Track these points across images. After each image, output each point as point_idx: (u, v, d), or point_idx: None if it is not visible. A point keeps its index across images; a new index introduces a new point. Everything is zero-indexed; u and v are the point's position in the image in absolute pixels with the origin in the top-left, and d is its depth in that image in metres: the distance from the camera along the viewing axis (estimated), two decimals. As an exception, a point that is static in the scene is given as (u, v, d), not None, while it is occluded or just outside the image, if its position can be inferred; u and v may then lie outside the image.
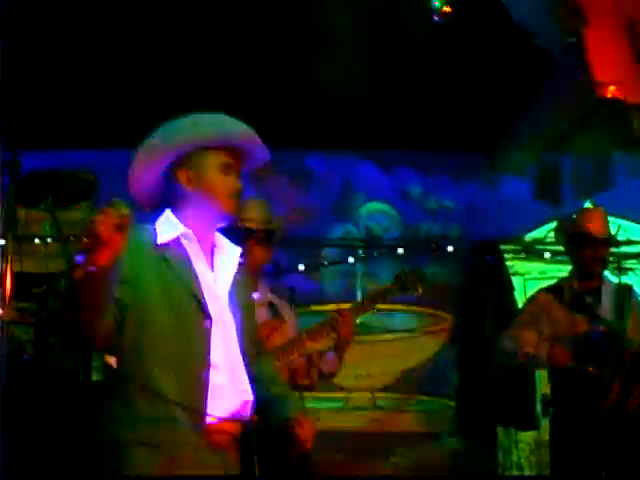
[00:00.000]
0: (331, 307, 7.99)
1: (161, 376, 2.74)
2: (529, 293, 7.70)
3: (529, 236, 8.23)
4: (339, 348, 4.42)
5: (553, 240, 7.96)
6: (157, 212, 3.00)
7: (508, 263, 7.99)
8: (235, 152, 2.98)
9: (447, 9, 4.97)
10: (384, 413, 8.08)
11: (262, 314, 4.34)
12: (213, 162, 2.94)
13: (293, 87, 6.69)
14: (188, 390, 2.76)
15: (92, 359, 5.80)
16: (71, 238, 7.60)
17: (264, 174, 7.12)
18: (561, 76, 6.23)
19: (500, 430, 7.56)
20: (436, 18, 5.06)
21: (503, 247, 8.00)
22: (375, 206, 8.43)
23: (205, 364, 2.81)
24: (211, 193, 2.92)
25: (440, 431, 8.01)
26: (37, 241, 7.75)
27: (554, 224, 8.01)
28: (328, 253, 8.12)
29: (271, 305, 4.54)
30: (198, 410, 2.74)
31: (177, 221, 2.92)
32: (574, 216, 5.25)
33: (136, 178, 3.01)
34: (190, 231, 2.91)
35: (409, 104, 7.25)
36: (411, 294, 4.59)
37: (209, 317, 2.85)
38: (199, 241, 2.94)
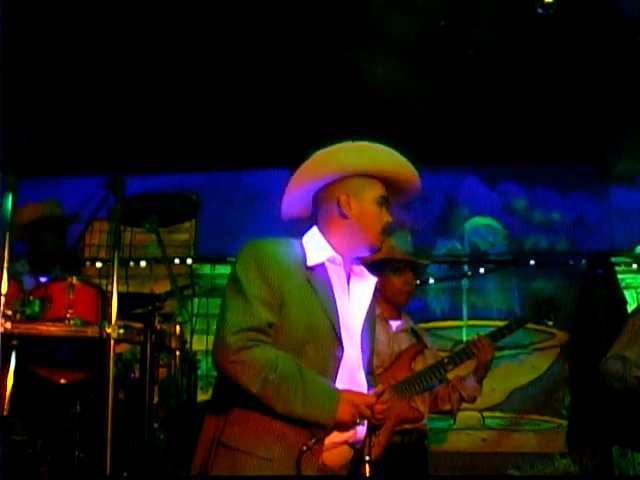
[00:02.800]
0: (437, 324, 7.93)
1: None
2: (641, 306, 7.49)
3: (640, 248, 7.99)
4: (478, 372, 4.48)
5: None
6: (304, 227, 3.00)
7: (619, 276, 7.75)
8: (392, 186, 2.98)
9: (549, 0, 4.83)
10: (493, 433, 7.93)
11: (405, 339, 4.54)
12: (374, 193, 2.93)
13: (398, 103, 6.65)
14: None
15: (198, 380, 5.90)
16: (175, 260, 7.80)
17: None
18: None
19: (615, 450, 7.30)
20: (540, 10, 4.92)
21: (614, 260, 7.76)
22: (480, 221, 8.32)
23: None
24: (367, 224, 2.91)
25: (552, 451, 7.79)
26: (143, 263, 7.91)
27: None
28: (433, 270, 8.03)
29: (413, 331, 4.64)
30: (318, 433, 2.69)
31: (326, 244, 2.90)
32: None
33: (293, 192, 3.01)
34: (338, 256, 2.88)
35: (513, 117, 7.14)
36: (545, 322, 4.69)
37: (342, 346, 2.81)
38: (343, 266, 2.91)
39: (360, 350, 2.90)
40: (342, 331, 2.81)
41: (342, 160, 2.89)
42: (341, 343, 2.80)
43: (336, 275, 2.88)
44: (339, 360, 2.79)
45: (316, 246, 2.88)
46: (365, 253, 2.97)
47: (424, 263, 4.61)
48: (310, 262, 2.81)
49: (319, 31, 6.16)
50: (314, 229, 2.95)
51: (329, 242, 2.89)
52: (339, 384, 2.78)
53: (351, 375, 2.84)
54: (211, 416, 2.80)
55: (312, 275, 2.80)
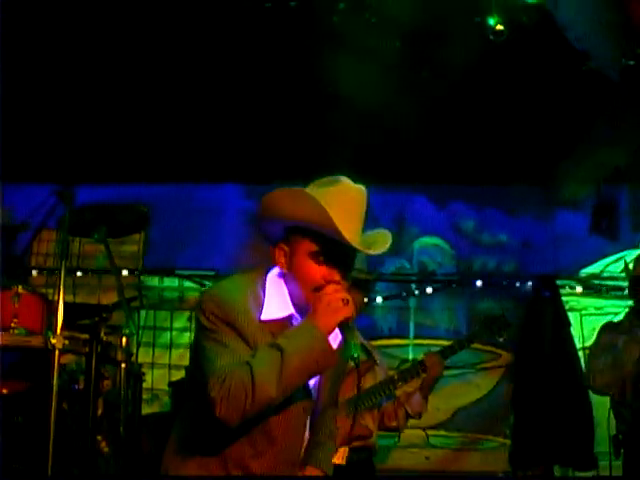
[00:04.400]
0: (384, 342, 7.96)
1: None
2: (586, 329, 7.61)
3: (585, 271, 8.10)
4: (425, 389, 4.53)
5: (610, 275, 7.85)
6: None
7: (564, 299, 7.84)
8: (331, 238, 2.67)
9: (500, 27, 4.95)
10: (438, 451, 7.96)
11: None
12: (306, 247, 2.68)
13: (345, 121, 6.69)
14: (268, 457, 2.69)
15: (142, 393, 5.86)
16: (123, 271, 7.74)
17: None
18: (617, 106, 6.13)
19: (557, 469, 7.38)
20: (491, 37, 5.04)
21: (559, 282, 7.85)
22: (428, 240, 8.38)
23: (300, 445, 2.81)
24: (299, 280, 2.70)
25: (495, 470, 7.84)
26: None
27: (611, 259, 7.94)
28: (381, 288, 8.06)
29: (363, 348, 4.60)
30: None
31: (287, 296, 2.74)
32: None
33: (260, 228, 2.82)
34: (297, 315, 2.73)
35: (461, 139, 7.22)
36: (496, 339, 4.74)
37: (310, 398, 2.78)
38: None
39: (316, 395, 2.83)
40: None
41: (277, 209, 2.70)
42: (310, 394, 2.76)
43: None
44: (307, 410, 2.78)
45: (277, 298, 2.73)
46: (304, 310, 2.70)
47: (367, 278, 4.58)
48: (268, 315, 2.68)
49: (278, 45, 6.22)
50: (277, 273, 2.80)
51: (288, 293, 2.74)
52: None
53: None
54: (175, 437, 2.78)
55: (275, 328, 2.66)
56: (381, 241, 2.76)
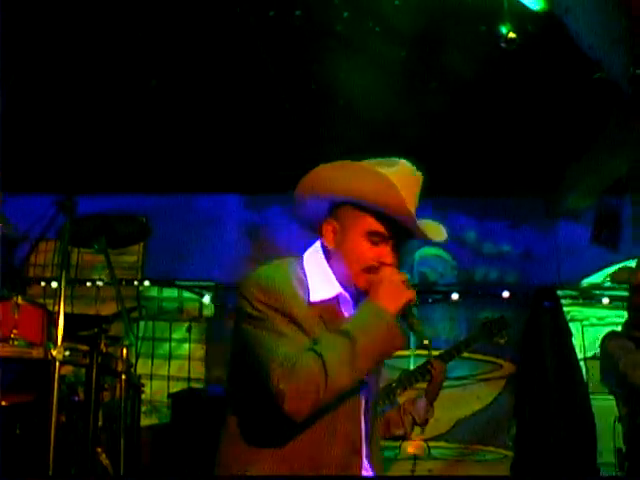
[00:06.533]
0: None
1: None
2: (587, 339, 7.60)
3: (587, 281, 8.09)
4: (430, 394, 4.44)
5: (611, 285, 7.84)
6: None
7: (565, 309, 7.83)
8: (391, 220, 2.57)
9: (513, 35, 4.92)
10: (439, 463, 7.92)
11: None
12: (362, 226, 2.58)
13: (347, 131, 6.68)
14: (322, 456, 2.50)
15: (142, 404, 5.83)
16: (123, 282, 7.71)
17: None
18: (620, 117, 6.12)
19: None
20: (503, 45, 5.00)
21: (560, 293, 7.84)
22: (429, 251, 8.36)
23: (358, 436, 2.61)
24: (348, 259, 2.58)
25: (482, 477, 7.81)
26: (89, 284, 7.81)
27: (612, 269, 7.93)
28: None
29: None
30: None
31: (332, 275, 2.60)
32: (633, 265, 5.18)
33: (299, 206, 2.71)
34: (346, 294, 2.61)
35: (463, 150, 7.21)
36: (496, 342, 4.69)
37: (365, 385, 2.61)
38: (351, 301, 2.64)
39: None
40: None
41: (332, 184, 2.58)
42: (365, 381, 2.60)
43: (347, 312, 2.62)
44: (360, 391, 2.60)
45: (321, 277, 2.60)
46: (352, 292, 2.62)
47: None
48: (316, 297, 2.54)
49: (281, 54, 6.21)
50: (318, 250, 2.68)
51: (332, 272, 2.62)
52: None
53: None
54: (228, 449, 2.56)
55: (323, 311, 2.53)
56: (436, 230, 2.69)
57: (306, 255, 2.67)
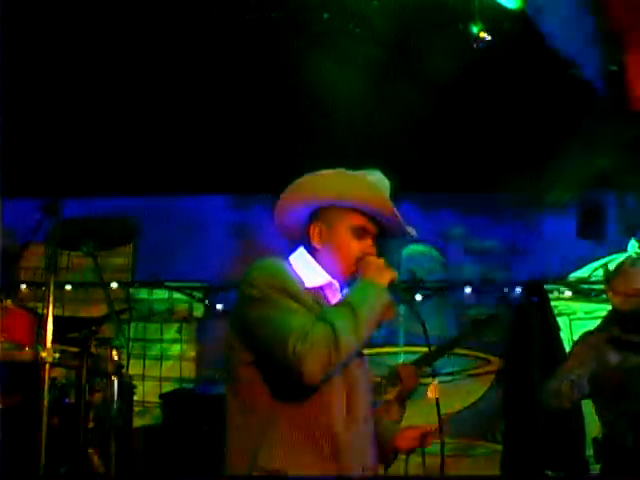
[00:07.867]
0: (374, 351, 7.95)
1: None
2: (575, 334, 7.62)
3: (573, 275, 8.13)
4: (400, 398, 4.46)
5: (598, 279, 7.87)
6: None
7: (553, 303, 7.86)
8: (375, 219, 2.96)
9: (484, 34, 4.98)
10: (428, 458, 7.93)
11: None
12: (348, 223, 2.94)
13: (332, 131, 6.70)
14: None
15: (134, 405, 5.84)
16: (112, 284, 7.73)
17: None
18: (602, 110, 6.16)
19: (549, 474, 7.38)
20: (475, 45, 5.07)
21: (547, 287, 7.87)
22: (417, 248, 8.39)
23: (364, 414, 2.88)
24: (338, 253, 2.93)
25: (487, 476, 7.83)
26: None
27: (599, 263, 7.96)
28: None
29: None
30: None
31: (319, 267, 2.92)
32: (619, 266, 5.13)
33: (281, 213, 3.05)
34: (335, 282, 2.93)
35: (447, 147, 7.24)
36: (485, 339, 4.67)
37: (363, 359, 2.98)
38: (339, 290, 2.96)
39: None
40: None
41: (318, 189, 2.92)
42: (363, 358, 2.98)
43: (337, 299, 2.89)
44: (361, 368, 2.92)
45: (311, 270, 2.90)
46: (341, 282, 2.94)
47: None
48: (309, 284, 2.83)
49: (262, 56, 6.23)
50: (302, 252, 2.97)
51: (321, 266, 2.93)
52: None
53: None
54: (236, 445, 2.74)
55: (317, 296, 2.83)
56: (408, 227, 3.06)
57: (292, 257, 2.97)
